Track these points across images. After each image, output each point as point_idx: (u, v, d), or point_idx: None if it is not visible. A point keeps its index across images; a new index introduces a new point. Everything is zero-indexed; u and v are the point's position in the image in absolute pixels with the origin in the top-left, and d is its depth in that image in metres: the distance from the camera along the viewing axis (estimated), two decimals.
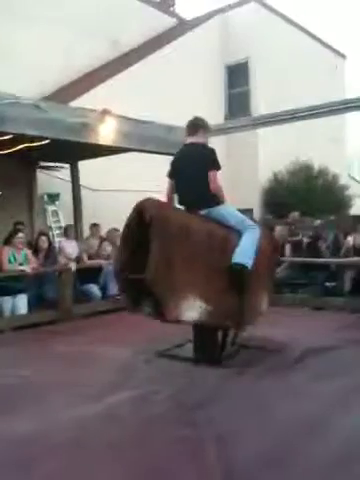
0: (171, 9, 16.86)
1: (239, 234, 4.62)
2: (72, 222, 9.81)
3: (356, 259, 7.58)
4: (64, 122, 6.88)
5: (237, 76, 15.72)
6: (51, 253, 7.89)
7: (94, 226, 8.94)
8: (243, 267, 4.42)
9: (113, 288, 8.00)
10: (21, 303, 6.96)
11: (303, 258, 8.16)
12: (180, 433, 3.26)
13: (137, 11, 14.05)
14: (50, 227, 10.90)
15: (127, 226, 4.50)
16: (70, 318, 7.02)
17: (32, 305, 7.12)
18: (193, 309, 4.30)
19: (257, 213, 13.96)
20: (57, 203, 11.07)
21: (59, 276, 7.31)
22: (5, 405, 3.81)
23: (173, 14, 16.46)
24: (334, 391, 4.00)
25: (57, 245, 8.89)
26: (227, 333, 4.89)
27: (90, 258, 8.11)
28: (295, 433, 3.24)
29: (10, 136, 6.83)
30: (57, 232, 10.78)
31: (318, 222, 9.72)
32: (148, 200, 4.42)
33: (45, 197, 10.95)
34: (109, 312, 7.43)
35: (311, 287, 8.01)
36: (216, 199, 4.67)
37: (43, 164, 10.26)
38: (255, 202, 14.36)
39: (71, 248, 8.32)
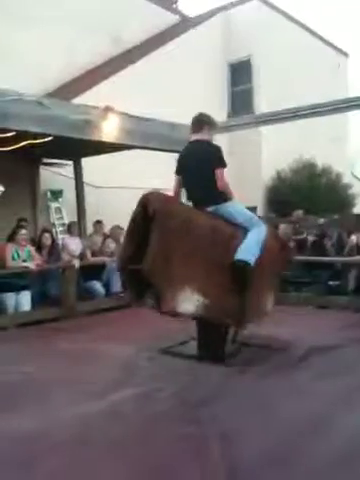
0: (174, 6, 16.83)
1: (245, 231, 4.61)
2: (75, 219, 9.81)
3: None
4: (67, 119, 6.88)
5: (240, 74, 15.69)
6: (54, 250, 7.89)
7: (98, 223, 8.93)
8: (246, 264, 4.39)
9: (116, 285, 8.01)
10: (24, 300, 6.96)
11: (308, 256, 8.13)
12: (184, 431, 3.25)
13: (139, 8, 14.02)
14: (53, 224, 10.89)
15: (132, 220, 4.52)
16: (73, 315, 7.02)
17: (35, 302, 7.12)
18: (190, 302, 4.29)
19: (260, 211, 13.94)
20: (60, 200, 11.07)
21: (62, 273, 7.30)
22: (8, 402, 3.80)
23: (176, 11, 16.43)
24: (338, 390, 3.99)
25: (60, 242, 8.88)
26: (227, 330, 4.85)
27: (93, 255, 8.11)
28: (299, 431, 3.24)
29: (13, 133, 6.82)
30: (60, 229, 10.79)
31: (322, 220, 9.70)
32: (152, 193, 4.45)
33: (48, 194, 10.94)
34: (112, 309, 7.44)
35: (315, 286, 7.99)
36: (223, 196, 4.67)
37: (46, 161, 10.26)
38: (258, 200, 14.34)
39: (74, 245, 8.31)
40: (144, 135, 7.97)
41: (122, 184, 10.44)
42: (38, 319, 6.73)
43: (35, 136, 7.29)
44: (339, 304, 7.26)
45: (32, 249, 7.29)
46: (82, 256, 7.99)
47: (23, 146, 7.80)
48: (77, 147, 8.55)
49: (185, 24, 15.61)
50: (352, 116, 16.08)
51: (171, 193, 4.86)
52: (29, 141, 7.63)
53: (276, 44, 14.98)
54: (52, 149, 8.61)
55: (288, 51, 15.06)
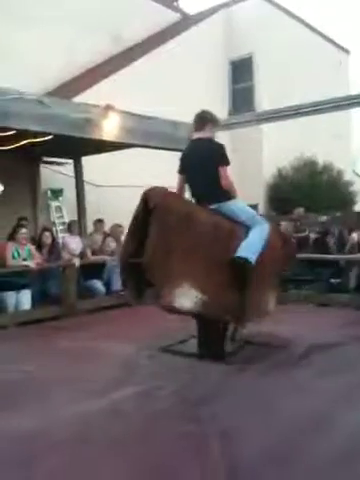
0: (175, 4, 16.79)
1: (247, 230, 4.60)
2: (76, 218, 9.81)
3: None
4: (67, 118, 6.88)
5: (241, 71, 15.67)
6: (55, 249, 7.88)
7: (98, 222, 8.93)
8: (246, 261, 4.37)
9: (117, 284, 8.01)
10: (25, 299, 6.96)
11: (310, 254, 8.11)
12: (184, 429, 3.25)
13: (140, 6, 13.99)
14: (53, 223, 10.89)
15: (135, 218, 4.54)
16: (74, 314, 7.02)
17: (36, 301, 7.12)
18: (187, 297, 4.28)
19: (261, 209, 13.93)
20: (60, 199, 11.07)
21: (63, 272, 7.30)
22: (8, 401, 3.80)
23: (177, 9, 16.40)
24: (338, 387, 3.98)
25: (61, 241, 8.89)
26: (226, 328, 4.84)
27: (94, 254, 8.11)
28: (299, 429, 3.23)
29: (14, 132, 6.82)
30: (61, 228, 10.78)
31: (325, 218, 9.69)
32: (154, 189, 4.47)
33: (48, 193, 10.94)
34: (113, 308, 7.44)
35: (316, 284, 7.98)
36: (227, 194, 4.67)
37: (46, 160, 10.26)
38: (259, 198, 14.32)
39: (75, 244, 8.31)
40: (145, 133, 7.96)
41: (122, 183, 10.43)
42: (38, 318, 6.73)
43: (35, 135, 7.29)
44: (340, 302, 7.25)
45: (32, 248, 7.29)
46: (82, 255, 7.99)
47: (23, 145, 7.81)
48: (77, 146, 8.55)
49: (186, 22, 15.59)
50: (354, 113, 16.05)
51: (174, 190, 4.86)
52: (29, 140, 7.64)
53: (277, 41, 14.95)
54: (52, 148, 8.61)
55: (289, 48, 15.04)
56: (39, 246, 7.60)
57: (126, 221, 8.88)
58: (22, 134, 7.14)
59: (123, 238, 8.61)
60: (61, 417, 3.44)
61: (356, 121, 17.81)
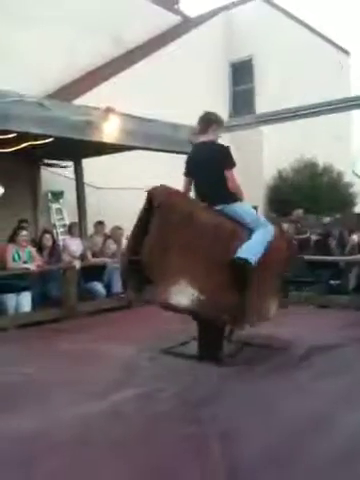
0: (175, 6, 16.82)
1: (251, 232, 4.59)
2: (76, 220, 9.82)
3: None
4: (68, 120, 6.88)
5: (241, 73, 15.69)
6: (55, 251, 7.89)
7: (99, 224, 8.94)
8: (246, 262, 4.36)
9: (117, 286, 8.01)
10: (25, 301, 6.96)
11: (311, 256, 8.11)
12: (185, 431, 3.25)
13: (141, 8, 14.02)
14: (54, 225, 10.90)
15: (140, 219, 4.56)
16: (74, 316, 7.02)
17: (36, 303, 7.12)
18: (184, 295, 4.28)
19: (261, 210, 13.93)
20: (61, 201, 11.08)
21: (63, 274, 7.30)
22: (8, 403, 3.80)
23: (177, 11, 16.43)
24: (339, 389, 3.99)
25: (61, 243, 8.90)
26: (223, 329, 4.83)
27: (94, 256, 8.11)
28: (300, 430, 3.23)
29: (14, 134, 6.83)
30: (61, 230, 10.79)
31: (327, 219, 9.70)
32: (158, 187, 4.50)
33: (49, 195, 10.95)
34: (113, 310, 7.44)
35: (316, 285, 7.99)
36: (233, 196, 4.67)
37: (47, 162, 10.27)
38: (260, 199, 14.33)
39: (75, 246, 8.32)
40: (145, 136, 7.97)
41: (123, 185, 10.44)
42: (39, 320, 6.72)
43: (36, 137, 7.30)
44: (340, 303, 7.26)
45: (33, 250, 7.29)
46: (83, 257, 8.00)
47: (24, 147, 7.81)
48: (78, 148, 8.56)
49: (186, 24, 15.62)
50: (354, 115, 16.07)
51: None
52: (30, 142, 7.64)
53: (278, 43, 14.98)
54: (53, 150, 8.62)
55: (290, 50, 15.06)
56: (40, 248, 7.61)
57: (127, 223, 8.89)
58: (23, 137, 7.14)
59: (124, 240, 8.65)
60: (61, 419, 3.44)
61: (356, 123, 17.82)
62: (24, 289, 6.98)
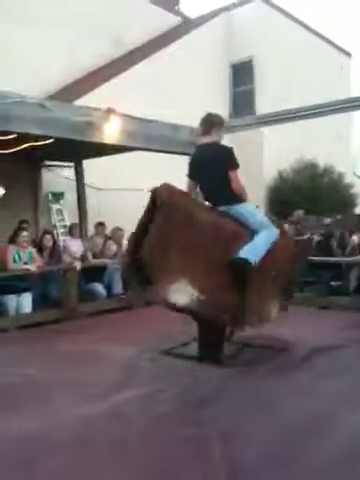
0: (175, 7, 16.83)
1: (253, 233, 4.59)
2: (77, 221, 9.82)
3: None
4: (69, 121, 6.88)
5: (242, 74, 15.69)
6: (56, 252, 7.90)
7: (99, 225, 8.94)
8: (246, 262, 4.36)
9: (118, 287, 8.03)
10: (26, 302, 6.96)
11: (313, 257, 8.09)
12: (185, 432, 3.25)
13: (141, 9, 14.04)
14: (55, 226, 10.91)
15: (143, 219, 4.57)
16: (75, 317, 7.02)
17: (37, 304, 7.12)
18: (183, 293, 4.30)
19: (262, 211, 13.92)
20: (62, 202, 11.08)
21: (64, 275, 7.30)
22: (9, 404, 3.80)
23: (177, 12, 16.44)
24: (340, 390, 3.99)
25: (62, 244, 8.90)
26: (224, 329, 4.82)
27: (95, 257, 8.11)
28: (300, 431, 3.24)
29: (15, 135, 6.83)
30: (62, 231, 10.79)
31: (329, 220, 9.70)
32: (162, 186, 4.53)
33: (50, 196, 10.96)
34: (114, 311, 7.44)
35: (317, 286, 7.98)
36: (237, 197, 4.68)
37: (48, 163, 10.28)
38: (260, 200, 14.32)
39: (76, 247, 8.32)
40: (146, 137, 7.97)
41: (123, 186, 10.44)
42: (39, 321, 6.72)
43: (37, 138, 7.30)
44: (340, 304, 7.25)
45: (33, 251, 7.29)
46: (83, 258, 8.00)
47: (25, 148, 7.82)
48: (78, 149, 8.56)
49: (187, 25, 15.63)
50: (355, 116, 16.07)
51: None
52: (31, 143, 7.65)
53: (278, 44, 14.98)
54: (54, 151, 8.62)
55: (290, 51, 15.07)
56: (40, 249, 7.62)
57: (127, 224, 8.90)
58: (23, 137, 7.14)
59: (124, 241, 8.65)
60: (62, 420, 3.45)
61: (357, 124, 17.83)
62: (25, 290, 6.98)
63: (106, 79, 12.12)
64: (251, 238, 4.54)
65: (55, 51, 11.50)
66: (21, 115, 6.37)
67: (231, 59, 15.69)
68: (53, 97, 10.82)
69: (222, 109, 14.55)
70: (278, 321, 5.02)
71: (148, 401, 3.83)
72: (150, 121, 8.03)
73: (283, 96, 13.18)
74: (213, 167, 4.68)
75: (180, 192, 4.72)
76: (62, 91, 11.92)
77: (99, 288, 7.88)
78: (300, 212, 10.13)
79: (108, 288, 8.00)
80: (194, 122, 8.19)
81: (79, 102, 10.01)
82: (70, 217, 10.76)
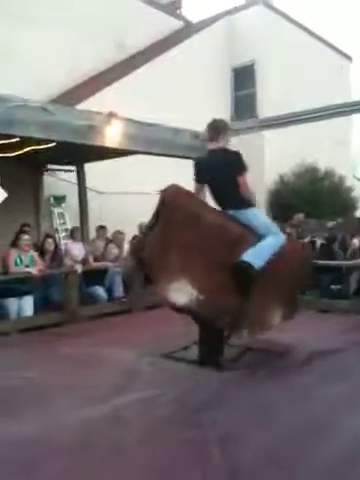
0: (177, 11, 16.88)
1: (260, 238, 4.59)
2: (78, 224, 9.84)
3: None
4: (71, 125, 6.90)
5: (243, 78, 15.73)
6: (57, 255, 7.91)
7: (101, 228, 8.96)
8: (249, 266, 4.37)
9: (119, 290, 8.05)
10: (27, 305, 6.97)
11: (316, 260, 8.05)
12: (185, 435, 3.26)
13: (143, 13, 14.07)
14: (56, 229, 10.93)
15: (149, 226, 4.61)
16: (76, 320, 7.03)
17: (38, 307, 7.13)
18: (183, 293, 4.32)
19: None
20: (63, 205, 11.11)
21: (65, 278, 7.32)
22: (10, 407, 3.82)
23: (179, 16, 16.46)
24: (340, 393, 4.00)
25: (63, 247, 8.91)
26: (223, 332, 4.81)
27: (96, 260, 8.13)
28: (300, 434, 3.25)
29: (17, 139, 6.86)
30: (63, 234, 10.81)
31: (332, 224, 9.70)
32: (170, 187, 4.58)
33: (51, 199, 10.98)
34: (115, 314, 7.46)
35: (317, 290, 7.97)
36: (247, 202, 4.71)
37: (50, 167, 10.30)
38: (261, 204, 14.32)
39: (77, 250, 8.34)
40: (147, 140, 7.98)
41: (125, 189, 10.46)
42: (40, 324, 6.74)
43: (39, 142, 7.32)
44: (341, 308, 7.25)
45: (35, 254, 7.31)
46: (84, 261, 8.02)
47: (27, 152, 7.84)
48: (80, 153, 8.59)
49: (189, 29, 15.66)
50: (355, 119, 16.07)
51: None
52: (33, 147, 7.67)
53: (279, 48, 15.01)
54: (56, 155, 8.64)
55: (291, 55, 15.09)
56: (42, 252, 7.63)
57: (128, 228, 8.92)
58: (26, 141, 7.16)
59: (125, 245, 8.67)
60: (63, 423, 3.46)
61: (357, 127, 17.83)
62: (26, 293, 7.00)
63: (108, 83, 12.15)
64: (257, 242, 4.55)
65: (57, 55, 11.53)
66: (23, 119, 6.39)
67: (233, 63, 15.72)
68: (55, 101, 10.84)
69: (224, 113, 14.56)
70: (278, 325, 5.03)
71: (148, 404, 3.84)
72: (151, 125, 8.05)
73: (285, 100, 13.19)
74: (222, 172, 4.72)
75: (187, 193, 4.75)
76: (64, 95, 11.95)
77: (100, 291, 7.90)
78: (300, 215, 10.15)
79: (109, 291, 8.01)
80: (196, 126, 8.25)
81: (81, 106, 10.05)
82: (71, 220, 10.78)
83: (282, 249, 4.63)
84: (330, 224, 9.77)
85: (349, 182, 15.93)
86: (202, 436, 3.24)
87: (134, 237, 8.44)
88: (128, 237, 8.63)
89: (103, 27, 12.62)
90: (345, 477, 2.75)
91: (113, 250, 8.26)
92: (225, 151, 4.85)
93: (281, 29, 15.57)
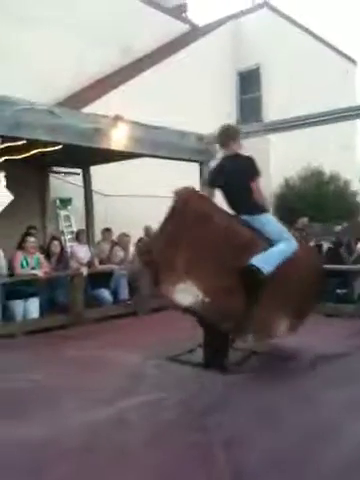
0: (183, 15, 16.93)
1: (271, 244, 4.58)
2: (84, 227, 9.87)
3: None
4: (77, 128, 6.93)
5: (249, 82, 15.77)
6: (63, 257, 7.94)
7: (106, 231, 8.98)
8: (258, 271, 4.36)
9: (124, 293, 8.07)
10: (33, 307, 7.01)
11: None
12: (190, 438, 3.27)
13: (149, 17, 14.12)
14: (62, 232, 10.97)
15: (165, 218, 4.62)
16: (81, 322, 7.04)
17: (44, 309, 7.17)
18: (188, 293, 4.33)
19: None
20: (69, 208, 11.15)
21: (71, 280, 7.34)
22: (16, 409, 3.83)
23: (185, 20, 16.52)
24: (345, 397, 3.97)
25: (69, 250, 8.94)
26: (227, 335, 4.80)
27: (101, 263, 8.15)
28: (305, 438, 3.24)
29: (24, 141, 6.90)
30: (69, 237, 10.85)
31: (339, 227, 9.69)
32: (183, 189, 4.60)
33: (57, 202, 11.03)
34: (120, 317, 7.46)
35: (323, 294, 7.94)
36: (260, 208, 4.73)
37: (56, 169, 10.34)
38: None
39: (83, 253, 8.36)
40: (153, 143, 8.00)
41: (131, 192, 10.49)
42: (46, 326, 6.76)
43: (45, 144, 7.36)
44: (346, 312, 7.24)
45: (41, 257, 7.34)
46: (90, 264, 8.04)
47: (33, 154, 7.88)
48: (86, 155, 8.62)
49: (195, 33, 15.71)
50: None
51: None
52: (39, 149, 7.71)
53: (285, 52, 15.04)
54: (62, 157, 8.68)
55: (297, 59, 15.12)
56: (48, 255, 7.67)
57: (134, 230, 8.95)
58: (32, 144, 7.20)
59: (131, 247, 8.70)
60: (69, 426, 3.47)
61: None
62: (32, 295, 7.03)
63: (114, 86, 12.20)
64: (267, 248, 4.54)
65: (64, 58, 11.58)
66: (30, 122, 6.42)
67: (238, 67, 15.76)
68: (62, 104, 10.88)
69: (229, 116, 14.61)
70: (283, 334, 5.02)
71: (154, 407, 3.85)
72: (157, 128, 8.07)
73: (290, 103, 13.21)
74: (235, 177, 4.74)
75: (199, 195, 4.80)
76: (71, 98, 12.00)
77: (105, 294, 7.92)
78: (305, 219, 10.14)
79: (114, 294, 8.03)
80: (201, 129, 8.27)
81: (87, 109, 10.09)
82: (77, 223, 10.82)
83: (294, 255, 4.61)
84: (337, 228, 9.75)
85: (354, 186, 15.90)
86: (207, 439, 3.24)
87: (140, 240, 8.46)
88: (134, 240, 8.65)
89: (109, 30, 12.68)
90: None
91: (118, 253, 8.28)
92: (237, 156, 4.87)
93: (286, 33, 15.60)
